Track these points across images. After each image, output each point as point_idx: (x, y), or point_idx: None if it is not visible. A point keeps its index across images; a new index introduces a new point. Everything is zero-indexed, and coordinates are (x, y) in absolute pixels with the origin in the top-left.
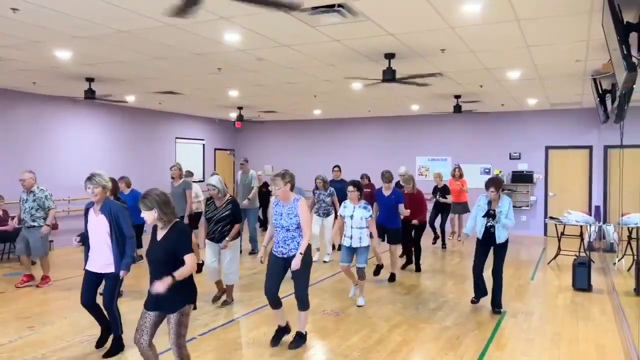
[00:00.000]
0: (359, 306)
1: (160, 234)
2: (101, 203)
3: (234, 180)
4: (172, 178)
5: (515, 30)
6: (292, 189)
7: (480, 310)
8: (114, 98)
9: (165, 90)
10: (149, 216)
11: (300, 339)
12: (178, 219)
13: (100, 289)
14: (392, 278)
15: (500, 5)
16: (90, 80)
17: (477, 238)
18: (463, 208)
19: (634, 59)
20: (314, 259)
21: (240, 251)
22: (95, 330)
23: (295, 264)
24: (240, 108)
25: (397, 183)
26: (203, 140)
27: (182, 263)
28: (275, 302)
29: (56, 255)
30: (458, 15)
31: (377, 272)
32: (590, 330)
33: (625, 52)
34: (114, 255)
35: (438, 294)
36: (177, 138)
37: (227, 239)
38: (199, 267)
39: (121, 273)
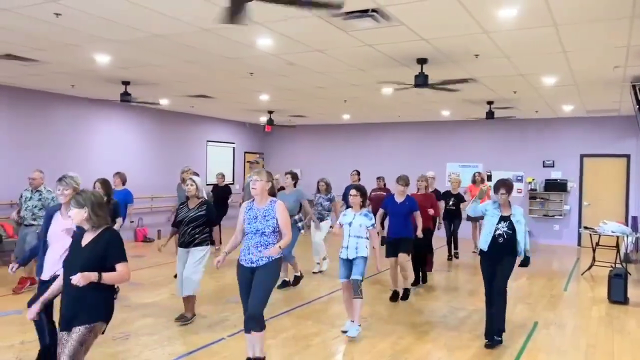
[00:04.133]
0: (349, 337)
1: (86, 239)
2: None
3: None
4: (183, 181)
5: (552, 36)
6: (271, 194)
7: (511, 320)
8: (148, 100)
9: (198, 94)
10: (77, 215)
11: None
12: (110, 225)
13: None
14: (405, 295)
15: (538, 9)
16: (126, 83)
17: (482, 251)
18: (482, 216)
19: None
20: (323, 268)
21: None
22: (122, 328)
23: (269, 251)
24: (270, 112)
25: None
26: (233, 143)
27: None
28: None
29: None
30: (493, 20)
31: (393, 297)
32: (626, 344)
33: None
34: None
35: (468, 302)
36: (208, 141)
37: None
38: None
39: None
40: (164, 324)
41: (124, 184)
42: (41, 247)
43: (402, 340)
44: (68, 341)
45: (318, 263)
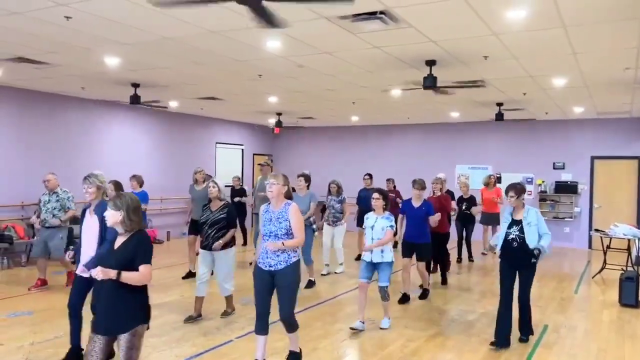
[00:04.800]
0: (381, 328)
1: (118, 241)
2: (96, 203)
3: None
4: (195, 181)
5: (561, 37)
6: (287, 197)
7: None
8: (157, 103)
9: (207, 96)
10: (112, 216)
11: (294, 358)
12: (141, 229)
13: None
14: (424, 295)
15: (547, 11)
16: (135, 85)
17: (501, 254)
18: (496, 219)
19: None
20: (322, 272)
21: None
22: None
23: (273, 245)
24: (279, 114)
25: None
26: (242, 145)
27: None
28: (263, 326)
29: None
30: (502, 22)
31: (403, 300)
32: (637, 349)
33: None
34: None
35: (477, 305)
36: (217, 143)
37: (219, 241)
38: (190, 275)
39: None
40: (172, 325)
41: (140, 185)
42: (80, 242)
43: (411, 343)
44: (120, 347)
45: (327, 264)
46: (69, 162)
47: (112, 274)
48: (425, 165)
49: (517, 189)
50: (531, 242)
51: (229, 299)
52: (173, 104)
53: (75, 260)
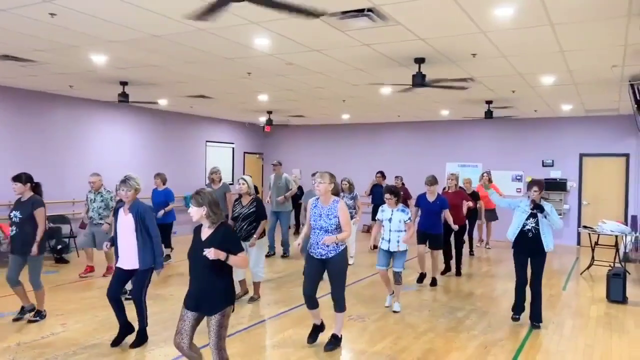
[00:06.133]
0: (394, 312)
1: (205, 234)
2: (131, 203)
3: (262, 184)
4: (212, 181)
5: (549, 35)
6: (334, 194)
7: (509, 320)
8: (146, 101)
9: (197, 94)
10: (196, 212)
11: (336, 341)
12: (224, 220)
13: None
14: (433, 282)
15: (534, 9)
16: (124, 83)
17: (514, 244)
18: (491, 215)
19: None
20: (349, 263)
21: (273, 253)
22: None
23: (329, 239)
24: (269, 112)
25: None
26: (233, 143)
27: (226, 264)
28: (312, 303)
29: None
30: (490, 20)
31: (420, 279)
32: (624, 344)
33: None
34: (139, 251)
35: (467, 302)
36: (207, 141)
37: (254, 237)
38: None
39: (156, 272)
40: (161, 324)
41: (164, 183)
42: (115, 237)
43: (400, 340)
44: (210, 327)
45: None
46: (58, 161)
47: (222, 255)
48: (416, 163)
49: (540, 185)
50: (545, 233)
51: (256, 285)
52: (162, 102)
53: (115, 255)
